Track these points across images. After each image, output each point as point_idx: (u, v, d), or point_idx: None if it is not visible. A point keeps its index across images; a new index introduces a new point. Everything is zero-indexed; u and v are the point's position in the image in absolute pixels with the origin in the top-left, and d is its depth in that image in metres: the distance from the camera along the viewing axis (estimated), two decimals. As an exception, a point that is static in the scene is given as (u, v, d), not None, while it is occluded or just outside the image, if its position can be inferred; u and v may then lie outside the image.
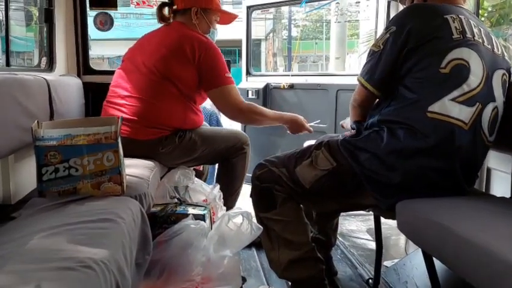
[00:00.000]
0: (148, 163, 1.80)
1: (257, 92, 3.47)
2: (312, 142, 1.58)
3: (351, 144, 1.40)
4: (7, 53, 2.07)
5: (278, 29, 17.94)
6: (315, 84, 3.24)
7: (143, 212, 1.36)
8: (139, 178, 1.56)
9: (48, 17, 2.33)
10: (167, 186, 1.88)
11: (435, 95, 1.28)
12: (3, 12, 2.10)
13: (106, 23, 2.71)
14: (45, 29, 2.37)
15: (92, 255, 0.90)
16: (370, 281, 1.84)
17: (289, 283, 1.68)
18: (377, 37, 1.45)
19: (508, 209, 1.21)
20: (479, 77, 1.30)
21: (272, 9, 13.72)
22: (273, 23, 17.68)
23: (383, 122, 1.36)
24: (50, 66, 2.36)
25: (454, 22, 1.32)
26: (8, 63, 2.04)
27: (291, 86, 3.32)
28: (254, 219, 1.60)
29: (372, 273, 1.82)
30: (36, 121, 1.32)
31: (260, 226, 1.56)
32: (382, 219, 1.71)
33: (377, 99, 1.48)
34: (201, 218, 1.69)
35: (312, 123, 2.23)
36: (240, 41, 3.63)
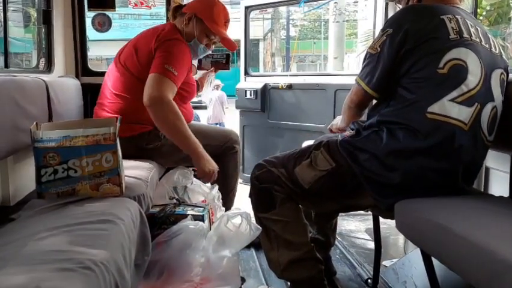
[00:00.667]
0: (146, 164, 1.80)
1: (255, 92, 3.48)
2: (311, 142, 1.58)
3: (351, 145, 1.40)
4: (5, 54, 2.07)
5: (276, 29, 17.95)
6: (314, 84, 3.25)
7: (142, 213, 1.36)
8: (138, 179, 1.56)
9: (46, 18, 2.33)
10: (166, 187, 1.88)
11: (434, 96, 1.29)
12: (2, 13, 2.09)
13: (104, 24, 2.71)
14: (43, 31, 2.36)
15: (91, 257, 0.90)
16: (369, 280, 1.84)
17: (289, 283, 1.68)
18: (374, 39, 1.45)
19: (507, 209, 1.21)
20: (478, 77, 1.30)
21: (270, 9, 13.72)
22: (271, 23, 17.69)
23: (382, 123, 1.37)
24: (49, 67, 2.36)
25: (450, 22, 1.33)
26: (6, 65, 2.04)
27: (290, 86, 3.33)
28: (253, 220, 1.60)
29: (371, 273, 1.82)
30: (35, 122, 1.32)
31: (259, 226, 1.56)
32: (381, 219, 1.71)
33: (375, 100, 1.48)
34: (200, 218, 1.69)
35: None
36: (238, 42, 3.63)
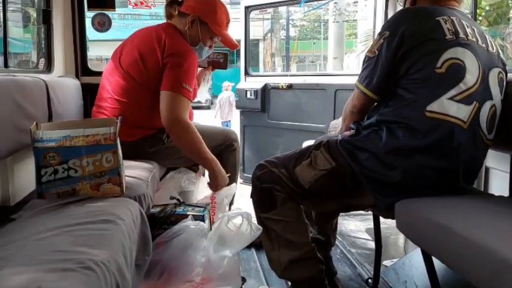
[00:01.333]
0: (147, 164, 1.80)
1: (255, 92, 3.48)
2: (311, 142, 1.58)
3: (350, 144, 1.41)
4: (5, 54, 2.07)
5: (276, 29, 17.96)
6: (314, 84, 3.25)
7: (142, 213, 1.36)
8: (138, 179, 1.56)
9: (46, 18, 2.32)
10: (173, 191, 1.89)
11: (433, 95, 1.29)
12: (1, 13, 2.09)
13: (104, 24, 2.71)
14: (43, 30, 2.36)
15: (92, 257, 0.90)
16: (369, 280, 1.84)
17: (289, 283, 1.68)
18: (372, 43, 1.46)
19: (507, 208, 1.21)
20: (475, 76, 1.31)
21: (270, 9, 13.73)
22: (271, 23, 17.70)
23: (382, 122, 1.37)
24: (49, 67, 2.36)
25: (446, 23, 1.34)
26: (6, 65, 2.04)
27: (290, 86, 3.33)
28: (254, 220, 1.60)
29: (372, 272, 1.82)
30: (35, 122, 1.32)
31: (260, 226, 1.56)
32: (381, 219, 1.71)
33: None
34: (201, 218, 1.69)
35: None
36: (238, 42, 3.63)
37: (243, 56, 3.65)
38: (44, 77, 1.95)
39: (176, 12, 2.01)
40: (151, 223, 1.46)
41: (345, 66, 10.09)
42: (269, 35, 18.46)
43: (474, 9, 2.32)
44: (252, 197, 1.61)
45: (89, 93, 2.44)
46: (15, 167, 1.69)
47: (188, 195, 2.04)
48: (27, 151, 1.60)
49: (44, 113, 1.79)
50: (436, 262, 1.24)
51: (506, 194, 1.57)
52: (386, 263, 1.98)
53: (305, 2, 3.34)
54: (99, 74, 2.57)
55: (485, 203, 1.28)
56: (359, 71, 1.49)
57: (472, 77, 1.30)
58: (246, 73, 3.65)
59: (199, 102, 7.51)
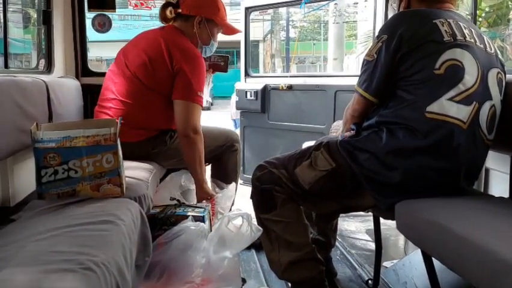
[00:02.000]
0: (147, 165, 1.81)
1: (256, 93, 3.48)
2: (311, 143, 1.58)
3: (350, 145, 1.41)
4: (5, 55, 2.07)
5: (276, 30, 17.95)
6: (314, 85, 3.25)
7: (142, 213, 1.36)
8: (138, 180, 1.56)
9: (46, 18, 2.32)
10: (173, 192, 1.89)
11: (433, 96, 1.30)
12: (2, 14, 2.09)
13: (104, 25, 2.71)
14: (43, 31, 2.36)
15: (92, 257, 0.90)
16: (370, 281, 1.84)
17: (289, 284, 1.68)
18: (370, 47, 1.47)
19: (507, 209, 1.21)
20: (474, 76, 1.31)
21: (270, 10, 13.73)
22: (271, 24, 17.70)
23: (382, 123, 1.37)
24: (49, 68, 2.36)
25: (443, 26, 1.35)
26: (6, 65, 2.04)
27: (290, 87, 3.33)
28: (254, 221, 1.60)
29: (372, 274, 1.82)
30: (35, 123, 1.32)
31: (260, 227, 1.56)
32: (381, 220, 1.71)
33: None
34: (201, 219, 1.69)
35: None
36: (238, 42, 3.63)
37: (243, 57, 3.65)
38: (44, 77, 1.95)
39: (173, 14, 1.98)
40: (151, 224, 1.46)
41: (345, 67, 10.09)
42: (269, 36, 18.46)
43: (474, 10, 2.32)
44: (252, 197, 1.61)
45: (89, 93, 2.44)
46: (15, 167, 1.69)
47: (188, 194, 2.04)
48: (27, 152, 1.60)
49: (44, 113, 1.79)
50: (436, 263, 1.24)
51: (506, 195, 1.57)
52: (386, 264, 1.97)
53: (306, 3, 3.34)
54: (99, 74, 2.59)
55: (486, 204, 1.28)
56: (358, 72, 1.50)
57: (470, 77, 1.31)
58: (246, 74, 3.65)
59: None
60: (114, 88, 1.90)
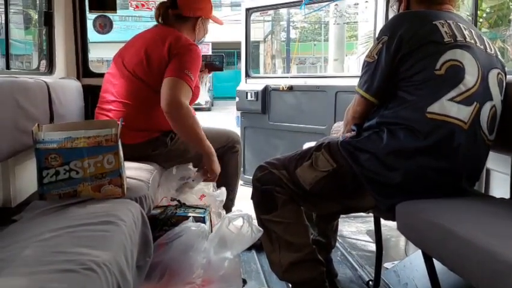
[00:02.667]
0: (148, 166, 1.81)
1: (256, 94, 3.48)
2: (312, 144, 1.59)
3: (351, 145, 1.41)
4: (7, 56, 2.07)
5: (277, 31, 17.95)
6: (314, 86, 3.25)
7: (143, 214, 1.36)
8: (139, 180, 1.56)
9: (47, 20, 2.33)
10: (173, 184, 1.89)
11: (433, 96, 1.30)
12: (3, 15, 2.10)
13: (105, 26, 2.71)
14: (44, 32, 2.37)
15: (94, 258, 0.90)
16: (370, 282, 1.84)
17: (290, 285, 1.68)
18: (370, 48, 1.47)
19: (508, 210, 1.21)
20: (475, 77, 1.32)
21: (271, 11, 13.73)
22: (271, 25, 17.70)
23: (383, 124, 1.37)
24: (50, 69, 2.36)
25: (443, 27, 1.35)
26: (8, 66, 2.04)
27: (290, 88, 3.33)
28: (254, 222, 1.60)
29: (373, 275, 1.82)
30: (36, 124, 1.32)
31: (260, 228, 1.56)
32: (382, 221, 1.71)
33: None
34: (201, 220, 1.69)
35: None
36: (238, 43, 3.64)
37: (244, 57, 3.65)
38: (46, 78, 1.96)
39: (167, 14, 2.01)
40: (152, 224, 1.46)
41: (345, 68, 10.10)
42: (270, 37, 18.45)
43: (475, 11, 2.33)
44: (252, 198, 1.61)
45: (90, 94, 2.45)
46: (16, 168, 1.69)
47: (186, 187, 2.03)
48: (28, 152, 1.60)
49: (46, 114, 1.80)
50: (437, 264, 1.24)
51: (507, 196, 1.57)
52: (386, 265, 1.97)
53: (306, 4, 3.34)
54: (100, 75, 2.59)
55: (487, 205, 1.28)
56: (359, 73, 1.50)
57: (471, 78, 1.31)
58: (247, 75, 3.65)
59: (199, 104, 7.50)
60: (114, 90, 1.90)
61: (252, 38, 3.82)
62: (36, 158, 1.29)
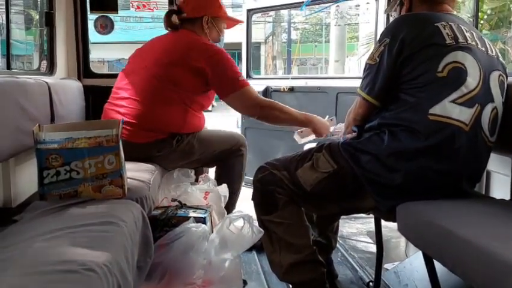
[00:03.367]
0: (149, 166, 1.80)
1: (257, 94, 3.47)
2: (312, 145, 1.59)
3: (352, 147, 1.41)
4: (8, 56, 2.08)
5: (278, 32, 17.98)
6: (315, 87, 3.25)
7: (144, 215, 1.36)
8: (140, 181, 1.56)
9: (48, 20, 2.33)
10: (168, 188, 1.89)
11: (435, 98, 1.30)
12: (4, 15, 2.10)
13: (106, 27, 2.71)
14: (45, 33, 2.37)
15: (94, 258, 0.90)
16: (371, 284, 1.84)
17: (290, 286, 1.68)
18: (372, 50, 1.47)
19: (509, 211, 1.21)
20: (477, 79, 1.32)
21: (272, 12, 13.75)
22: (272, 26, 17.73)
23: (384, 125, 1.37)
24: (51, 69, 2.36)
25: (444, 29, 1.35)
26: (9, 67, 2.05)
27: (291, 89, 3.33)
28: (255, 222, 1.60)
29: (373, 276, 1.82)
30: (37, 124, 1.32)
31: (261, 229, 1.56)
32: (382, 222, 1.71)
33: None
34: (202, 221, 1.69)
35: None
36: (239, 44, 3.63)
37: (245, 58, 3.65)
38: (47, 79, 1.96)
39: (177, 21, 2.01)
40: (153, 225, 1.46)
41: (346, 70, 10.11)
42: (271, 38, 18.48)
43: (476, 13, 2.33)
44: (253, 199, 1.61)
45: (91, 95, 2.45)
46: (17, 168, 1.69)
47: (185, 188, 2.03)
48: (29, 153, 1.60)
49: (47, 114, 1.80)
50: (438, 265, 1.24)
51: (507, 197, 1.57)
52: (387, 266, 1.97)
53: (307, 5, 3.34)
54: (101, 76, 2.60)
55: (487, 206, 1.28)
56: (360, 74, 1.50)
57: (473, 80, 1.31)
58: (248, 76, 3.65)
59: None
60: (128, 87, 1.90)
61: (253, 39, 3.82)
62: (37, 158, 1.29)
